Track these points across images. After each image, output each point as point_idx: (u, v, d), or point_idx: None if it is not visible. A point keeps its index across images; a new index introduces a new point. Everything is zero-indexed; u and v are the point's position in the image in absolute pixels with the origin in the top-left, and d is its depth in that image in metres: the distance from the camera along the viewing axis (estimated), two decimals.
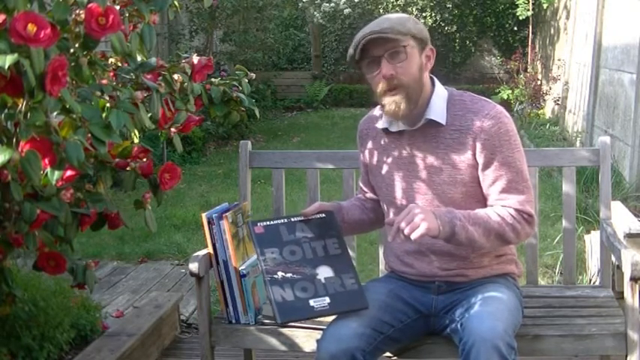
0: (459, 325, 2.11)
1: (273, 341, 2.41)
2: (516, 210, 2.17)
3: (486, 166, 2.18)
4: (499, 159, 2.17)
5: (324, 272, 2.18)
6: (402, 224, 2.04)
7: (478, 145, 2.17)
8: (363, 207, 2.46)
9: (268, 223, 2.25)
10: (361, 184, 2.50)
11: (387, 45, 2.13)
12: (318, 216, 2.29)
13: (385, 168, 2.32)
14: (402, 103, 2.15)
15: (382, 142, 2.33)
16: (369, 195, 2.46)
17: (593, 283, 3.52)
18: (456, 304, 2.20)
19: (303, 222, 2.27)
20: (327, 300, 2.13)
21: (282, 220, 2.27)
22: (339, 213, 2.37)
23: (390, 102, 2.16)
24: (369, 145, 2.37)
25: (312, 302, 2.12)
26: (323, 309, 2.12)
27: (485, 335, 1.97)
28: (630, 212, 3.30)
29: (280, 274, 2.15)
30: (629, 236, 2.91)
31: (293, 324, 2.35)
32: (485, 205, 2.22)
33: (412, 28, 2.15)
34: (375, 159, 2.36)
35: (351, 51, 2.17)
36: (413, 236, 2.03)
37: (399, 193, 2.28)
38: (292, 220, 2.27)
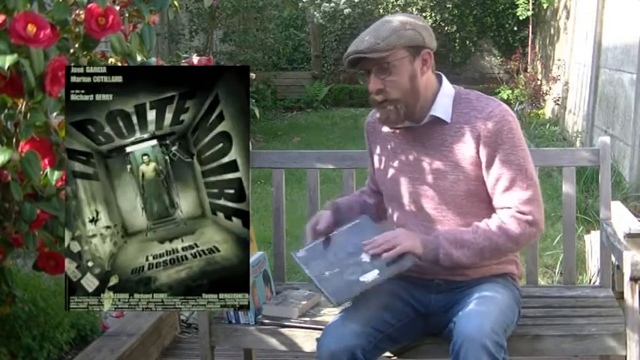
0: (452, 325, 2.12)
1: (273, 341, 2.41)
2: (516, 213, 2.16)
3: (489, 165, 2.18)
4: (501, 157, 2.17)
5: (367, 257, 2.19)
6: (379, 248, 2.13)
7: (481, 143, 2.17)
8: (364, 204, 2.45)
9: (308, 247, 2.28)
10: (369, 181, 2.51)
11: (371, 62, 2.13)
12: (352, 224, 2.29)
13: (389, 163, 2.32)
14: (392, 114, 2.18)
15: (387, 137, 2.33)
16: (375, 189, 2.46)
17: (593, 283, 3.52)
18: (453, 303, 2.21)
19: (339, 234, 2.28)
20: (376, 272, 2.14)
21: (320, 240, 2.29)
22: (338, 214, 2.37)
23: (382, 112, 2.20)
24: (375, 139, 2.38)
25: (362, 278, 2.13)
26: (375, 279, 2.13)
27: (472, 334, 1.98)
28: (630, 212, 3.29)
29: (327, 273, 2.18)
30: (629, 236, 2.91)
31: (294, 323, 2.39)
32: (489, 205, 2.22)
33: (401, 38, 2.12)
34: (379, 154, 2.36)
35: (344, 62, 2.18)
36: (384, 255, 2.12)
37: (402, 190, 2.28)
38: (329, 235, 2.29)
